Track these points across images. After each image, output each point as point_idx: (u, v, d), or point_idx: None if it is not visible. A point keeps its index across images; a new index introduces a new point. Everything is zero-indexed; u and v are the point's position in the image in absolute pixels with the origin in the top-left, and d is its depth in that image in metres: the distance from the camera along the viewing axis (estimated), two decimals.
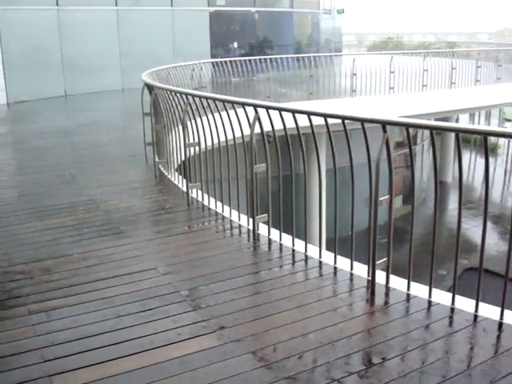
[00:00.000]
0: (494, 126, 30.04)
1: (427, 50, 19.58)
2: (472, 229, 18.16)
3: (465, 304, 3.37)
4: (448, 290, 3.51)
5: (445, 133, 19.84)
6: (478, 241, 3.60)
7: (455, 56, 16.66)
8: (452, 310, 3.36)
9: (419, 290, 3.59)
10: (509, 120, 34.43)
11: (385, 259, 3.66)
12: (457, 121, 30.03)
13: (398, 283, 3.68)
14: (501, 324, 3.17)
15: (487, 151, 3.17)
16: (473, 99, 16.80)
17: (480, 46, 28.38)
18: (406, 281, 3.61)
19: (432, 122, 3.46)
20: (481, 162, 27.27)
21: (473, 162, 29.84)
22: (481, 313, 3.27)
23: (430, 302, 3.46)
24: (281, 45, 23.13)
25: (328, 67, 15.19)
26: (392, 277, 3.70)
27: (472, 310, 3.30)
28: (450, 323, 3.27)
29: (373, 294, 3.61)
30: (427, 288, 3.52)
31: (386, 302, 3.54)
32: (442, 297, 3.49)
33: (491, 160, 31.44)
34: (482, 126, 3.57)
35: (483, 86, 16.42)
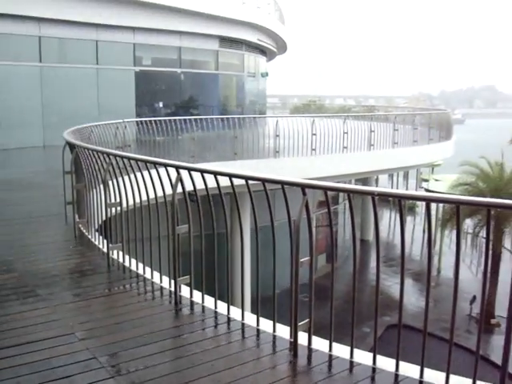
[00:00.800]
0: (410, 190, 31.35)
1: (347, 114, 20.35)
2: (394, 286, 18.58)
3: (386, 363, 3.41)
4: (371, 349, 3.54)
5: None
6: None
7: (374, 119, 17.39)
8: (374, 369, 3.39)
9: (341, 350, 3.61)
10: (426, 180, 35.99)
11: (307, 320, 3.67)
12: (376, 181, 31.20)
13: (321, 344, 3.69)
14: (421, 383, 3.21)
15: (402, 213, 3.29)
16: (391, 160, 17.52)
17: (397, 109, 29.85)
18: (328, 342, 3.63)
19: (349, 186, 3.58)
20: None
21: (393, 221, 30.87)
22: (401, 372, 3.32)
23: (351, 363, 3.48)
24: (206, 105, 23.49)
25: (252, 128, 15.47)
26: (314, 338, 3.70)
27: (393, 369, 3.34)
28: None
29: (295, 355, 3.59)
30: (349, 348, 3.54)
31: (309, 364, 3.53)
32: (363, 357, 3.52)
33: (410, 219, 32.68)
34: (397, 190, 3.70)
35: (400, 148, 17.15)
